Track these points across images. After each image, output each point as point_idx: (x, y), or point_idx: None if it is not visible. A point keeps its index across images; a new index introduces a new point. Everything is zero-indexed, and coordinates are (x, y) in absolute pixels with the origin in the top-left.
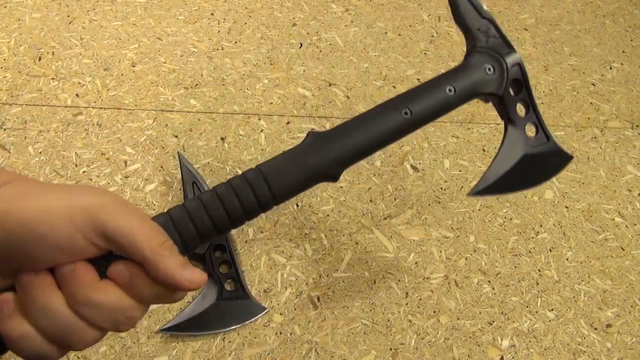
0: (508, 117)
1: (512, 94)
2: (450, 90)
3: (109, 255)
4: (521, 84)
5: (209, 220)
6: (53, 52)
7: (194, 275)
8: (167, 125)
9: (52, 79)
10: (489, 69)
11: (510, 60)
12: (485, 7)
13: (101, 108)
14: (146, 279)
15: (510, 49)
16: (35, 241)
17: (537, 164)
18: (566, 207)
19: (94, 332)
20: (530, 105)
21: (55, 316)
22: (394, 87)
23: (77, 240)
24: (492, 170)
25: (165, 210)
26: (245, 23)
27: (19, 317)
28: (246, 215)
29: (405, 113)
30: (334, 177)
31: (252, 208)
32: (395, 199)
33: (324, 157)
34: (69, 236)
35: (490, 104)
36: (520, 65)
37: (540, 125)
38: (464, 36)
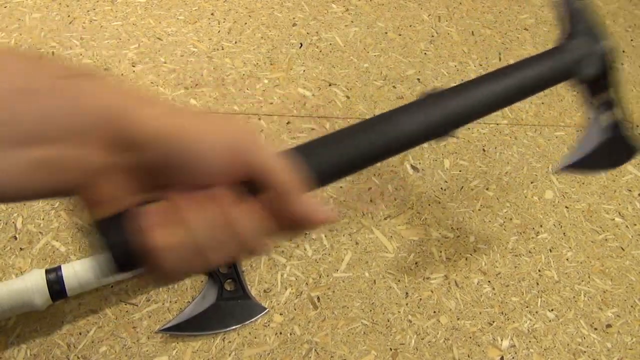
0: (600, 99)
1: (604, 79)
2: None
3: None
4: (611, 72)
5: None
6: (53, 52)
7: (328, 212)
8: None
9: None
10: (590, 52)
11: (607, 46)
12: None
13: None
14: (285, 206)
15: (604, 38)
16: (192, 162)
17: (618, 147)
18: (566, 207)
19: (229, 252)
20: (615, 94)
21: (196, 233)
22: (394, 87)
23: (227, 167)
24: (580, 148)
25: None
26: (246, 23)
27: (163, 229)
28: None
29: (506, 84)
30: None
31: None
32: (395, 199)
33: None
34: (223, 162)
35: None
36: (612, 53)
37: (621, 114)
38: (559, 20)
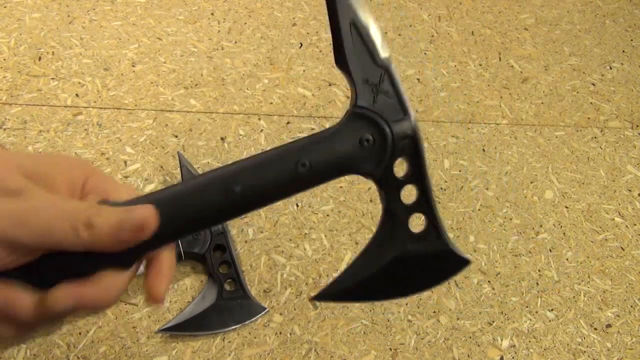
0: (387, 203)
1: (397, 175)
2: (303, 165)
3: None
4: (414, 162)
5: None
6: (53, 52)
7: (139, 218)
8: (167, 125)
9: (52, 79)
10: (367, 140)
11: (398, 129)
12: (383, 53)
13: (101, 108)
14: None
15: (404, 114)
16: None
17: (418, 267)
18: (566, 207)
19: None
20: (422, 190)
21: None
22: None
23: None
24: (353, 269)
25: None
26: (245, 23)
27: None
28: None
29: (234, 192)
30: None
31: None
32: None
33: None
34: None
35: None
36: (413, 138)
37: (431, 217)
38: (349, 85)
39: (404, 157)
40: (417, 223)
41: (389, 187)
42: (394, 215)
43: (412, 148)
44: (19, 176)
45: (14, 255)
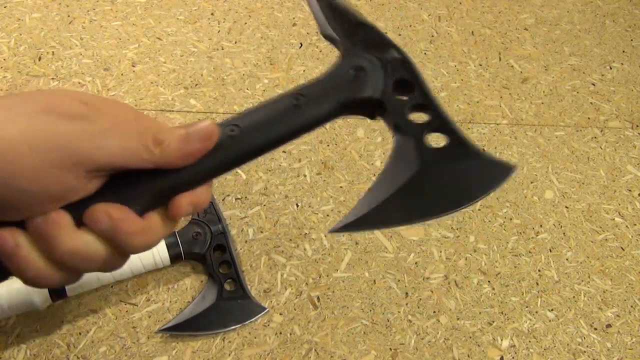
0: (396, 126)
1: (399, 97)
2: (297, 99)
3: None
4: (411, 84)
5: None
6: (53, 52)
7: (203, 127)
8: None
9: (52, 79)
10: (359, 69)
11: (387, 55)
12: (358, 15)
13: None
14: (131, 226)
15: (389, 45)
16: (19, 198)
17: (446, 181)
18: (566, 207)
19: (76, 275)
20: (432, 108)
21: (35, 267)
22: None
23: (69, 183)
24: (369, 196)
25: None
26: (245, 23)
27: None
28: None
29: (232, 131)
30: None
31: None
32: None
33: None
34: (57, 182)
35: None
36: (403, 60)
37: (451, 131)
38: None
39: (400, 79)
40: (435, 142)
41: (394, 110)
42: (405, 136)
43: (406, 69)
44: (82, 104)
45: (90, 177)
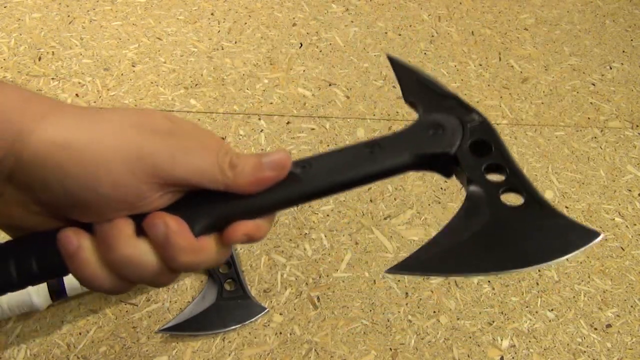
0: (469, 182)
1: (476, 157)
2: (372, 147)
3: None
4: (490, 146)
5: None
6: (53, 52)
7: (277, 157)
8: None
9: (52, 79)
10: (438, 127)
11: (467, 117)
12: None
13: (101, 108)
14: (183, 241)
15: (471, 110)
16: (97, 201)
17: (520, 237)
18: (566, 207)
19: (127, 284)
20: (509, 167)
21: (91, 270)
22: (394, 86)
23: (144, 193)
24: (436, 240)
25: None
26: (245, 23)
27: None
28: None
29: (304, 167)
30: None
31: None
32: (395, 199)
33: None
34: (134, 191)
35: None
36: (483, 123)
37: (528, 191)
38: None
39: (479, 140)
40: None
41: (469, 168)
42: (479, 191)
43: (485, 131)
44: (169, 121)
45: (163, 191)
